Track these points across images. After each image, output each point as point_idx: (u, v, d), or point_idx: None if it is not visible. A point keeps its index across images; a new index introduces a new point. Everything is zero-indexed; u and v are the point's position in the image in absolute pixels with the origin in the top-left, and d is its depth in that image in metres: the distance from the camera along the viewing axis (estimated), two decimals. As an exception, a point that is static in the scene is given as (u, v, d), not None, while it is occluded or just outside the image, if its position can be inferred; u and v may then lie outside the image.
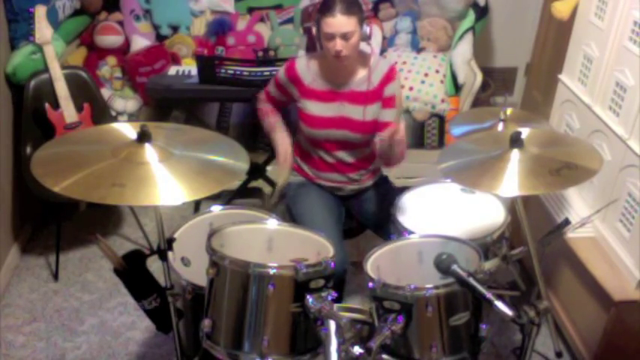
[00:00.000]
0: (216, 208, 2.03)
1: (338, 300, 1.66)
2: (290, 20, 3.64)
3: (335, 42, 2.09)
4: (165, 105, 3.42)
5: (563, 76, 2.71)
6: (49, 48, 2.78)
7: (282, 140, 2.31)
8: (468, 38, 3.41)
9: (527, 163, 1.61)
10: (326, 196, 2.39)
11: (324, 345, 1.53)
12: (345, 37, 2.08)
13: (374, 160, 2.37)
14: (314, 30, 2.18)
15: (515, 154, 1.63)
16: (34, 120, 2.80)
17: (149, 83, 3.10)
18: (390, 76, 2.26)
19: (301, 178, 2.43)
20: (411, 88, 3.32)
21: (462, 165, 1.72)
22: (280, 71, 2.34)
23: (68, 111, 2.81)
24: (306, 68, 2.27)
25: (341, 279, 2.21)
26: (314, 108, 2.27)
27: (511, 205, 2.03)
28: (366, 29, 2.15)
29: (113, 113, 3.24)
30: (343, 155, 2.34)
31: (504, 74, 4.21)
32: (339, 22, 2.06)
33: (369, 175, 2.42)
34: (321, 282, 1.61)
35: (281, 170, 2.30)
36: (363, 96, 2.25)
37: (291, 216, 2.40)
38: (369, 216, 2.42)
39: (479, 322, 1.66)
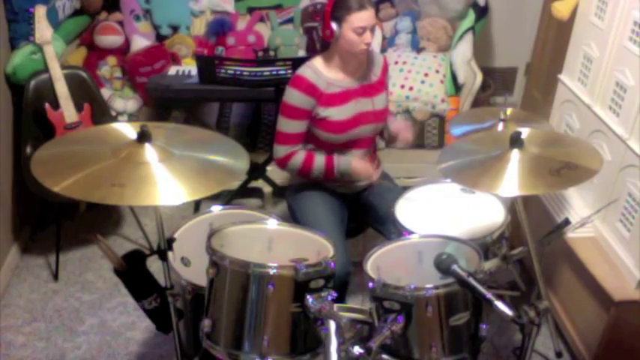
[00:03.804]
0: (216, 208, 2.02)
1: (340, 302, 1.66)
2: (290, 20, 3.64)
3: (367, 35, 2.14)
4: (165, 105, 3.42)
5: (563, 76, 2.71)
6: (49, 48, 2.78)
7: (356, 163, 2.29)
8: (468, 38, 3.41)
9: (528, 163, 1.61)
10: (330, 197, 2.39)
11: (324, 345, 1.53)
12: (372, 29, 2.16)
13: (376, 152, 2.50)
14: (334, 27, 2.14)
15: (515, 154, 1.63)
16: (34, 120, 2.80)
17: (149, 83, 3.10)
18: (386, 66, 2.42)
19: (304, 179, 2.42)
20: (411, 88, 3.32)
21: (462, 165, 1.72)
22: (291, 96, 2.22)
23: (68, 111, 2.81)
24: (316, 76, 2.23)
25: (344, 281, 2.21)
26: (336, 114, 2.25)
27: (511, 205, 2.03)
28: None
29: (113, 113, 3.24)
30: (360, 153, 2.35)
31: (504, 74, 4.21)
32: (370, 14, 2.14)
33: (374, 169, 2.45)
34: (321, 282, 1.61)
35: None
36: (370, 88, 2.32)
37: (294, 217, 2.40)
38: (374, 211, 2.41)
39: (479, 322, 1.66)
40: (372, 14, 2.14)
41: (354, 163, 2.29)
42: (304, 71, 2.25)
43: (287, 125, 2.26)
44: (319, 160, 2.27)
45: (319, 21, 2.27)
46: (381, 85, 2.37)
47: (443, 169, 1.71)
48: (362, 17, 2.11)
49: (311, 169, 2.27)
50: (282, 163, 2.32)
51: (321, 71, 2.24)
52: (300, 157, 2.28)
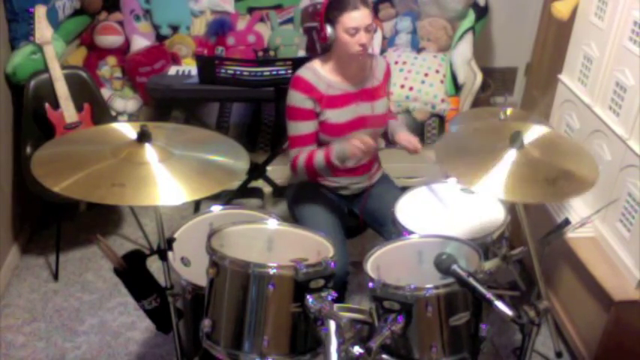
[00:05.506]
0: (216, 208, 2.02)
1: (339, 302, 1.66)
2: (290, 20, 3.64)
3: (360, 35, 2.09)
4: (165, 105, 3.42)
5: (563, 76, 2.71)
6: (49, 48, 2.78)
7: (350, 147, 2.07)
8: (468, 38, 3.41)
9: (524, 167, 1.60)
10: (329, 198, 2.39)
11: (324, 345, 1.53)
12: (367, 29, 2.10)
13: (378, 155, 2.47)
14: (328, 30, 2.12)
15: (512, 154, 1.62)
16: (34, 120, 2.80)
17: (149, 83, 3.10)
18: (389, 71, 2.39)
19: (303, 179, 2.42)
20: (411, 88, 3.32)
21: (459, 154, 1.72)
22: (292, 98, 2.20)
23: (68, 111, 2.81)
24: (316, 77, 2.21)
25: (342, 282, 2.21)
26: (335, 116, 2.23)
27: (511, 205, 2.03)
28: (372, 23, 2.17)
29: (113, 113, 3.24)
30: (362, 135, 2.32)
31: (504, 74, 4.21)
32: (364, 14, 2.08)
33: (375, 171, 2.45)
34: (321, 282, 1.61)
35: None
36: (371, 92, 2.29)
37: (293, 218, 2.40)
38: (373, 213, 2.41)
39: (479, 322, 1.66)
40: (365, 14, 2.09)
41: (348, 147, 2.09)
42: (303, 72, 2.23)
43: (294, 128, 2.23)
44: (319, 155, 2.18)
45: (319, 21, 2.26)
46: (382, 90, 2.33)
47: (438, 156, 1.71)
48: (354, 17, 2.08)
49: (313, 165, 2.19)
50: (293, 167, 2.26)
51: (320, 73, 2.23)
52: (303, 156, 2.22)
